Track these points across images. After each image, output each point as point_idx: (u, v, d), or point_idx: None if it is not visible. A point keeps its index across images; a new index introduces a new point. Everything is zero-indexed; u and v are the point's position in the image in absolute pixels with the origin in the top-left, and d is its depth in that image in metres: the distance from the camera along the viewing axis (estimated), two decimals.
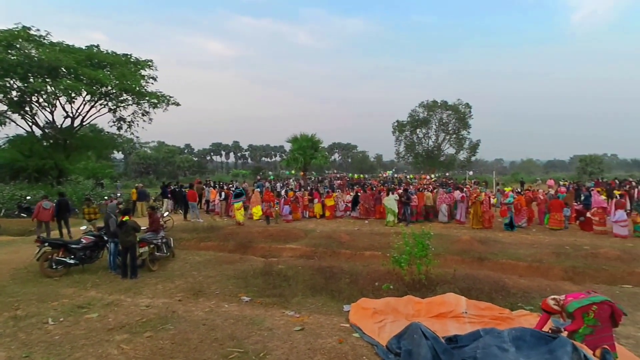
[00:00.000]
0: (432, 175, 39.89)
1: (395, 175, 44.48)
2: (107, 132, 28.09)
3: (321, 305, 6.16)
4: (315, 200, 17.48)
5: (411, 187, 22.29)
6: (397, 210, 14.95)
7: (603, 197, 14.12)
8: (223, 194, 18.17)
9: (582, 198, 15.09)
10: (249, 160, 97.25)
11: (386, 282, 7.02)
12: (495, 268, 9.01)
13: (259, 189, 19.49)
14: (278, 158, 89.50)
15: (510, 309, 5.71)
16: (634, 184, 19.28)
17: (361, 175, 44.89)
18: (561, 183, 21.95)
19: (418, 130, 46.97)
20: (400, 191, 16.18)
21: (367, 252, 10.60)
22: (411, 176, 41.44)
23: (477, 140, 45.30)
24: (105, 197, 18.84)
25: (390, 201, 15.03)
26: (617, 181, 22.40)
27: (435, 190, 17.80)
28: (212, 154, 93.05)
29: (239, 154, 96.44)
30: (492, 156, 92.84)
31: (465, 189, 18.43)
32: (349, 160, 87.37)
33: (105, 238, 8.68)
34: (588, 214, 13.06)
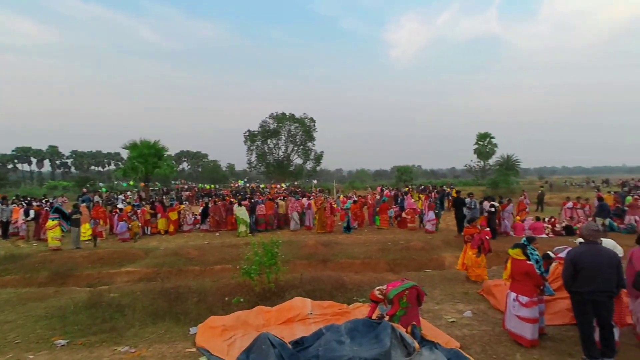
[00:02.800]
0: (283, 184, 41.81)
1: (248, 185, 44.68)
2: None
3: (163, 332, 5.55)
4: (159, 215, 15.82)
5: (263, 196, 22.77)
6: (249, 220, 15.01)
7: (414, 200, 17.68)
8: (31, 212, 14.41)
9: (399, 201, 18.48)
10: (73, 169, 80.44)
11: (237, 295, 6.89)
12: (336, 268, 10.04)
13: (85, 204, 16.29)
14: (113, 167, 77.19)
15: (347, 304, 6.43)
16: (431, 188, 24.84)
17: (212, 186, 43.23)
18: (384, 188, 26.37)
19: (269, 140, 48.55)
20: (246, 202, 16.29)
21: (217, 266, 10.22)
22: (263, 185, 42.40)
23: (320, 151, 49.98)
24: None
25: (242, 211, 14.97)
26: (444, 187, 28.26)
27: (285, 199, 18.68)
28: (16, 161, 72.82)
29: (57, 162, 78.53)
30: (333, 166, 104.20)
31: (311, 196, 20.00)
32: (200, 169, 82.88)
33: None
34: (403, 214, 16.08)
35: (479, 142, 54.29)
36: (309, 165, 50.35)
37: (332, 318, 5.63)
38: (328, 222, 15.31)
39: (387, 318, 4.80)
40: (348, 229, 14.99)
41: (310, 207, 16.48)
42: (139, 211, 15.50)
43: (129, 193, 30.74)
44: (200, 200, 29.20)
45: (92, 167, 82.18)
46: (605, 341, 4.19)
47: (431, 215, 14.79)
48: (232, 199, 19.40)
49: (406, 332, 4.59)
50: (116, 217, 14.83)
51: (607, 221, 13.25)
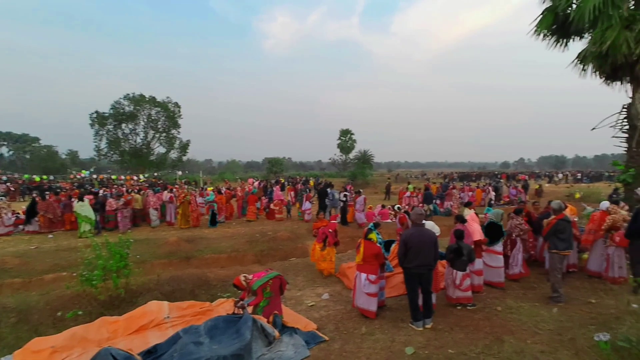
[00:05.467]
0: (141, 176, 37.31)
1: (94, 176, 38.14)
2: None
3: None
4: None
5: (116, 189, 19.82)
6: (94, 218, 12.85)
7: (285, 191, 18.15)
8: None
9: (268, 192, 18.76)
10: None
11: (74, 308, 5.84)
12: (201, 264, 9.54)
13: None
14: None
15: (211, 301, 6.17)
16: (298, 179, 26.11)
17: (44, 177, 35.40)
18: (254, 181, 26.40)
19: (124, 125, 42.40)
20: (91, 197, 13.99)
21: (49, 275, 8.46)
22: (115, 177, 36.89)
23: (187, 140, 46.38)
24: None
25: (85, 207, 12.71)
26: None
27: (142, 192, 16.68)
28: None
29: None
30: (202, 156, 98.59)
31: (174, 189, 18.43)
32: (27, 156, 66.56)
33: None
34: (272, 206, 16.38)
35: (342, 138, 59.55)
36: (173, 155, 46.12)
37: (192, 319, 5.32)
38: (193, 215, 14.38)
39: (250, 309, 4.83)
40: (214, 222, 14.39)
41: (172, 201, 15.18)
42: None
43: None
44: (27, 194, 23.58)
45: None
46: (426, 305, 5.18)
47: (307, 205, 15.33)
48: (72, 194, 16.28)
49: (268, 321, 4.71)
50: None
51: (432, 206, 16.36)
